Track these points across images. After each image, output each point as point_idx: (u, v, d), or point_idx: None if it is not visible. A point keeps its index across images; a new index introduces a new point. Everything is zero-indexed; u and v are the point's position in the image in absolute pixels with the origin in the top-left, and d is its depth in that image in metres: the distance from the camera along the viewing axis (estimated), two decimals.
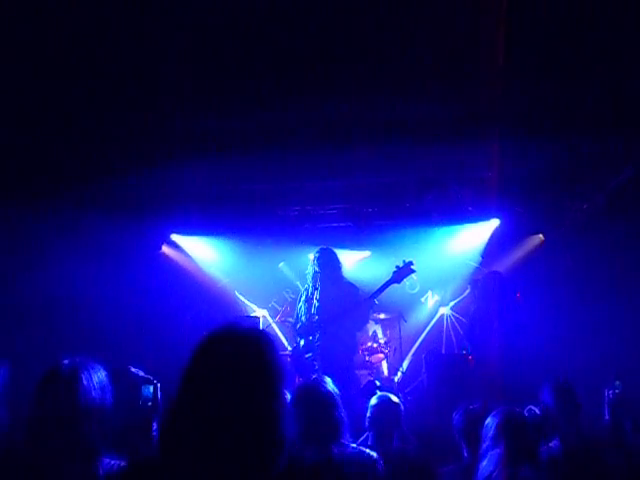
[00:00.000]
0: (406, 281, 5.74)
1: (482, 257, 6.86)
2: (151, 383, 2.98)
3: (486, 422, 2.76)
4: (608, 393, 3.41)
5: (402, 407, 3.55)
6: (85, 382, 2.20)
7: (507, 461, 2.57)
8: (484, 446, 2.73)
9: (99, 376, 2.26)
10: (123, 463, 2.06)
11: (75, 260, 5.75)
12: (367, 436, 3.47)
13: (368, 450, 2.68)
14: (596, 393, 3.49)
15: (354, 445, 2.72)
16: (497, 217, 6.56)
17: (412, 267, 5.50)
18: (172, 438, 1.34)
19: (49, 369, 2.24)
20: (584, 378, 3.66)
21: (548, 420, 3.17)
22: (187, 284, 7.08)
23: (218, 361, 1.37)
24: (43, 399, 2.20)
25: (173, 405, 1.38)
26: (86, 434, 2.13)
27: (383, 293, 5.45)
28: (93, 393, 2.20)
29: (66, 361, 2.24)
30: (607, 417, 3.36)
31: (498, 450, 2.63)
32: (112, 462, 2.13)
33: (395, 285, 5.52)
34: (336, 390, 2.79)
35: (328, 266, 5.55)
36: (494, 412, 2.78)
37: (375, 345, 6.55)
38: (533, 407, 3.23)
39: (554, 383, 3.28)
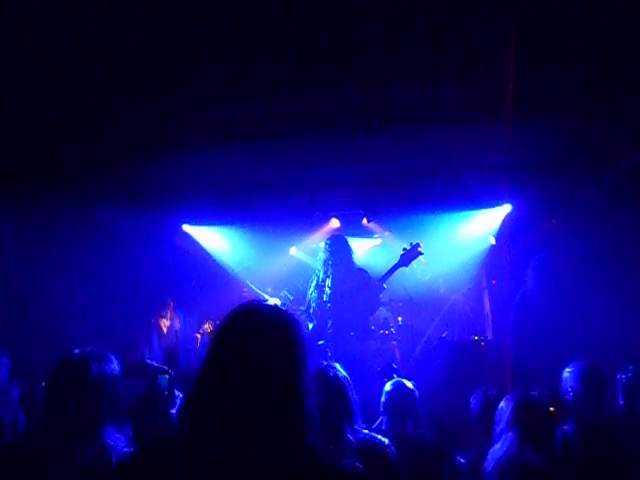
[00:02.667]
0: (414, 264, 5.68)
1: (495, 241, 6.83)
2: (166, 373, 3.02)
3: (500, 405, 2.77)
4: (621, 377, 3.40)
5: (417, 393, 3.57)
6: (95, 371, 2.23)
7: (520, 444, 2.58)
8: (498, 429, 2.74)
9: (110, 366, 2.29)
10: (136, 447, 2.08)
11: (90, 252, 5.81)
12: (381, 421, 3.49)
13: (380, 436, 2.68)
14: (612, 377, 3.48)
15: (366, 431, 2.72)
16: (509, 202, 6.52)
17: (419, 249, 5.46)
18: (197, 415, 1.33)
19: (61, 358, 2.28)
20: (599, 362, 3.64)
21: (565, 403, 3.15)
22: (203, 273, 7.12)
23: (244, 338, 1.36)
24: (54, 387, 2.24)
25: (198, 383, 1.37)
26: (97, 422, 2.17)
27: (394, 278, 5.44)
28: (103, 382, 2.23)
29: (77, 351, 2.28)
30: (621, 401, 3.35)
31: (511, 433, 2.64)
32: (125, 448, 2.16)
33: (405, 271, 5.52)
34: (347, 376, 2.79)
35: (339, 253, 5.55)
36: (508, 396, 2.79)
37: (387, 332, 6.55)
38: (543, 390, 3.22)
39: (583, 366, 3.23)
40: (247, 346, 1.34)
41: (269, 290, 6.87)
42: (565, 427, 3.10)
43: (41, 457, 2.13)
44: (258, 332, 1.36)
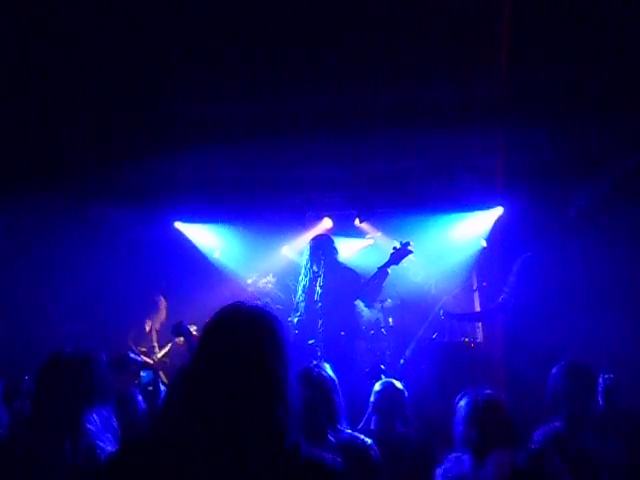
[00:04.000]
0: (404, 263, 5.67)
1: (486, 244, 6.85)
2: (150, 368, 3.01)
3: (458, 405, 2.69)
4: (604, 378, 3.44)
5: (406, 393, 3.57)
6: (87, 368, 2.23)
7: (479, 445, 2.50)
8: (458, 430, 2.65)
9: (100, 364, 2.29)
10: (120, 445, 2.09)
11: (81, 249, 5.79)
12: (368, 421, 3.49)
13: (363, 436, 2.68)
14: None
15: (349, 431, 2.72)
16: (501, 205, 6.55)
17: (409, 247, 5.45)
18: (183, 411, 1.36)
19: (50, 356, 2.27)
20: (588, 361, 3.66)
21: (557, 401, 3.16)
22: (196, 270, 7.10)
23: (227, 336, 1.41)
24: (43, 384, 2.24)
25: (182, 382, 1.41)
26: (83, 419, 2.17)
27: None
28: (94, 380, 2.23)
29: (68, 349, 2.27)
30: (601, 403, 3.38)
31: (471, 434, 2.56)
32: (111, 446, 2.16)
33: (397, 271, 5.52)
34: (334, 376, 2.79)
35: (325, 252, 5.55)
36: (464, 396, 2.71)
37: (377, 332, 6.55)
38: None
39: (573, 363, 3.24)
40: (229, 345, 1.40)
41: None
42: (555, 424, 3.13)
43: (29, 454, 2.12)
44: (239, 330, 1.42)
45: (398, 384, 3.61)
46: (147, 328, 6.28)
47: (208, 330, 1.45)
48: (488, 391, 2.68)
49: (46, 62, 3.93)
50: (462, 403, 2.67)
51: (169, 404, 1.43)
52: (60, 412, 2.16)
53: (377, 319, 6.79)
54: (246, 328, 1.42)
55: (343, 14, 3.72)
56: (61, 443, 2.11)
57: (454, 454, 2.60)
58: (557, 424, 3.13)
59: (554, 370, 3.26)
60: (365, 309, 5.95)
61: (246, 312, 1.47)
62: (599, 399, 3.33)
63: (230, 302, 1.50)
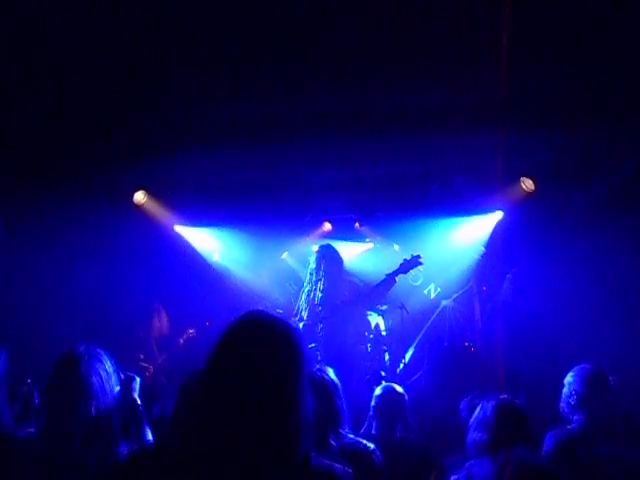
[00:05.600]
0: (411, 272, 5.79)
1: (485, 249, 6.85)
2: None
3: (476, 412, 2.69)
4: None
5: (406, 397, 3.56)
6: (95, 368, 2.22)
7: (494, 448, 2.49)
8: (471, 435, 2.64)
9: (108, 363, 2.28)
10: (133, 449, 2.08)
11: (79, 251, 5.78)
12: (370, 426, 3.48)
13: (365, 441, 2.67)
14: None
15: (352, 436, 2.71)
16: (501, 209, 6.55)
17: (420, 260, 5.58)
18: (197, 425, 1.35)
19: (62, 355, 2.26)
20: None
21: (571, 407, 3.14)
22: (195, 272, 7.10)
23: (246, 347, 1.39)
24: (54, 385, 2.23)
25: (198, 392, 1.40)
26: (95, 418, 2.15)
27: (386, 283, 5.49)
28: (102, 380, 2.22)
29: (82, 347, 2.27)
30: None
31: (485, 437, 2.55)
32: (124, 448, 2.15)
33: (401, 275, 5.58)
34: (336, 380, 2.78)
35: (330, 261, 5.61)
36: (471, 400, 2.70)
37: (377, 336, 6.55)
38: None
39: (588, 370, 3.22)
40: (247, 355, 1.37)
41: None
42: (567, 428, 3.10)
43: (43, 453, 2.12)
44: (262, 341, 1.40)
45: (399, 388, 3.61)
46: (146, 333, 6.26)
47: (226, 338, 1.42)
48: (505, 396, 2.68)
49: (46, 63, 3.94)
50: (477, 409, 2.65)
51: (180, 411, 1.39)
52: (72, 409, 2.15)
53: (377, 324, 6.79)
54: (265, 339, 1.40)
55: (347, 18, 3.74)
56: (74, 443, 2.11)
57: (471, 462, 2.58)
58: (570, 429, 3.10)
59: (569, 377, 3.22)
60: (370, 312, 6.00)
61: (265, 322, 1.44)
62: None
63: (248, 311, 1.48)
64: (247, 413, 1.32)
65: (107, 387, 2.23)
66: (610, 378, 3.35)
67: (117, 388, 2.29)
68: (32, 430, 2.26)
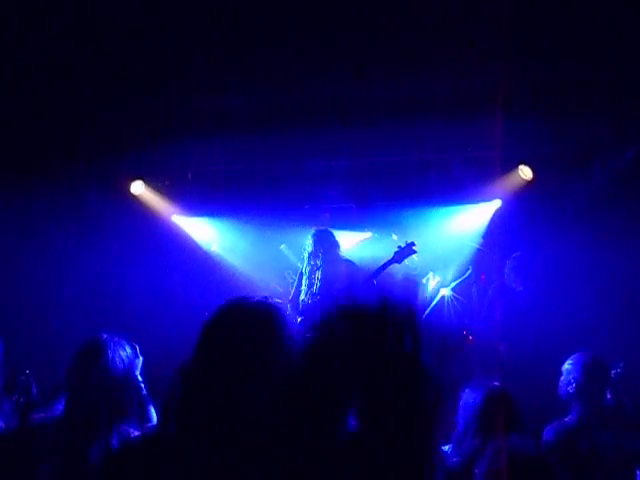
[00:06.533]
0: (407, 262, 5.74)
1: (483, 238, 6.84)
2: None
3: (465, 400, 2.68)
4: (611, 373, 3.41)
5: None
6: (113, 355, 2.24)
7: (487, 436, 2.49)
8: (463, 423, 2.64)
9: (128, 350, 2.31)
10: (137, 433, 2.11)
11: (74, 241, 5.76)
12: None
13: None
14: None
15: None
16: (499, 198, 6.54)
17: (414, 247, 5.51)
18: (189, 409, 1.36)
19: (86, 342, 2.28)
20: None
21: (569, 396, 3.13)
22: (193, 262, 7.09)
23: (230, 330, 1.41)
24: (76, 371, 2.24)
25: (186, 377, 1.40)
26: (118, 403, 2.18)
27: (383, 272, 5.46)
28: (120, 365, 2.24)
29: (105, 335, 2.31)
30: (609, 396, 3.36)
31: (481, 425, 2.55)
32: (130, 431, 2.17)
33: (396, 266, 5.52)
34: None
35: (326, 246, 5.56)
36: (472, 390, 2.70)
37: None
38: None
39: (586, 358, 3.21)
40: (233, 338, 1.39)
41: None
42: (567, 419, 3.10)
43: (66, 439, 2.14)
44: (240, 326, 1.41)
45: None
46: None
47: (209, 326, 1.44)
48: (496, 383, 2.67)
49: (45, 50, 3.91)
50: (470, 395, 2.65)
51: (170, 400, 1.40)
52: (90, 394, 2.17)
53: None
54: (247, 324, 1.41)
55: (339, 8, 3.71)
56: (99, 427, 2.14)
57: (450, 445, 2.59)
58: (568, 420, 3.10)
59: (567, 365, 3.21)
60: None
61: (247, 306, 1.45)
62: (607, 393, 3.31)
63: (232, 297, 1.49)
64: (230, 400, 1.33)
65: (129, 373, 2.27)
66: (620, 364, 3.33)
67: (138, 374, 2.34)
68: (43, 415, 2.28)
